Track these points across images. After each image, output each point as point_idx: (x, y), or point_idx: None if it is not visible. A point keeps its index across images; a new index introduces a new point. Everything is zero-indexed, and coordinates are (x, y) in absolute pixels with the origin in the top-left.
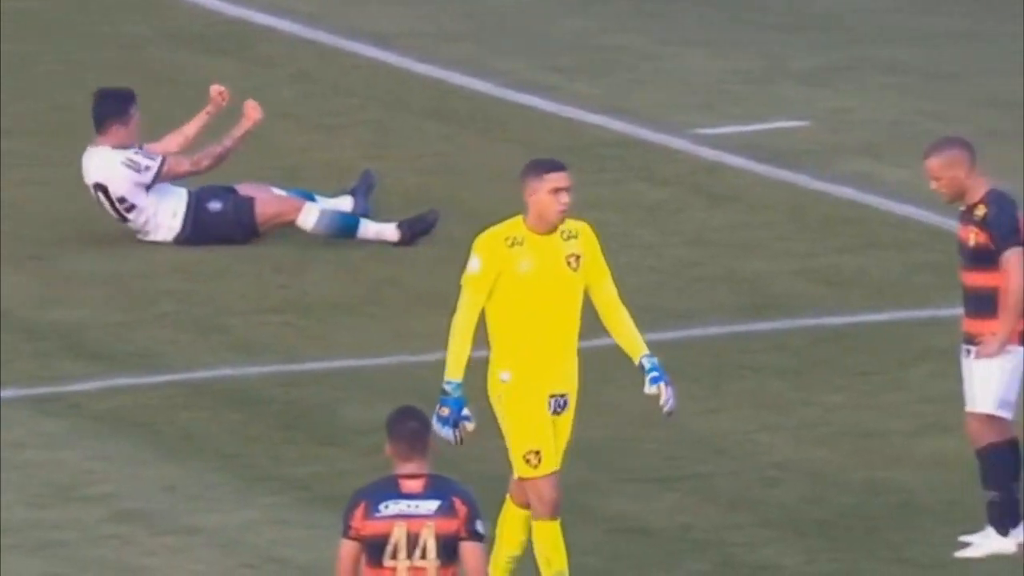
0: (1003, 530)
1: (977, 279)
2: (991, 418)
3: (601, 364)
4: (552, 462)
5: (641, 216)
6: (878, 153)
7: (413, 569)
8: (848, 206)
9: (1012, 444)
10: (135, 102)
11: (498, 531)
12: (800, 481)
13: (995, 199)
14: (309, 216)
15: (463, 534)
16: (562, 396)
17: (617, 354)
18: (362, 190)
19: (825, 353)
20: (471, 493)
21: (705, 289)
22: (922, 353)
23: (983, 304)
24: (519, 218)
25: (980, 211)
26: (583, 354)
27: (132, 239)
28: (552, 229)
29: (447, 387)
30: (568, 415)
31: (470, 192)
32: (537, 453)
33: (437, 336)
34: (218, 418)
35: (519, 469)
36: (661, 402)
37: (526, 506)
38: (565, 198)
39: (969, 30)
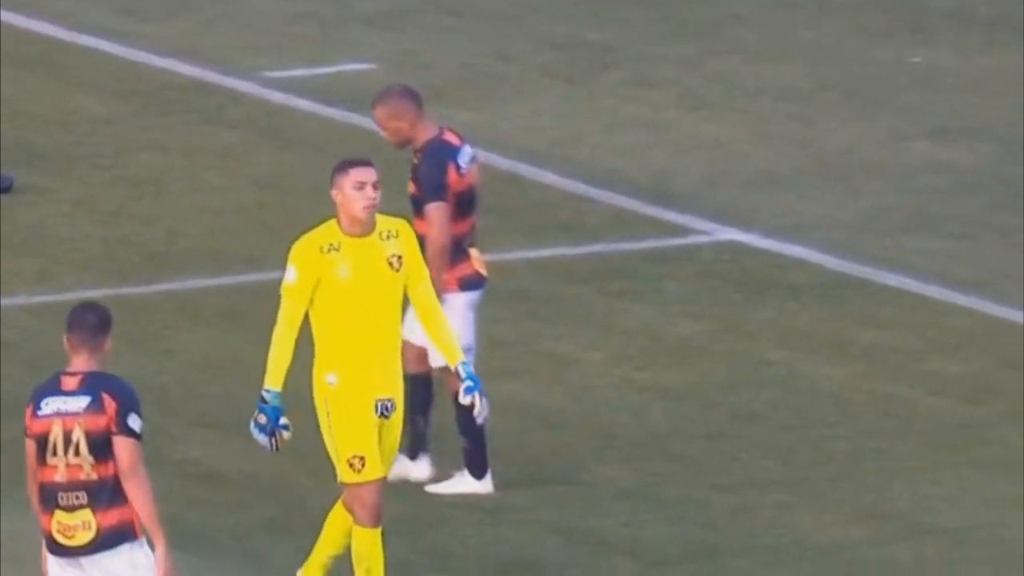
0: (477, 475)
1: (418, 227)
2: (444, 370)
3: (170, 308)
4: (376, 468)
5: (209, 160)
6: (445, 95)
7: (70, 466)
8: None
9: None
10: None
11: (324, 528)
12: None
13: (430, 152)
14: None
15: (113, 429)
16: (389, 400)
17: (186, 297)
18: None
19: None
20: (127, 388)
21: (274, 233)
22: (489, 298)
23: (424, 251)
24: (333, 221)
25: (416, 161)
26: (146, 300)
27: None
28: (366, 230)
29: (266, 395)
30: (396, 419)
31: (39, 136)
32: (362, 458)
33: (9, 280)
34: None
35: (343, 474)
36: (475, 412)
37: (366, 525)
38: (371, 193)
39: None
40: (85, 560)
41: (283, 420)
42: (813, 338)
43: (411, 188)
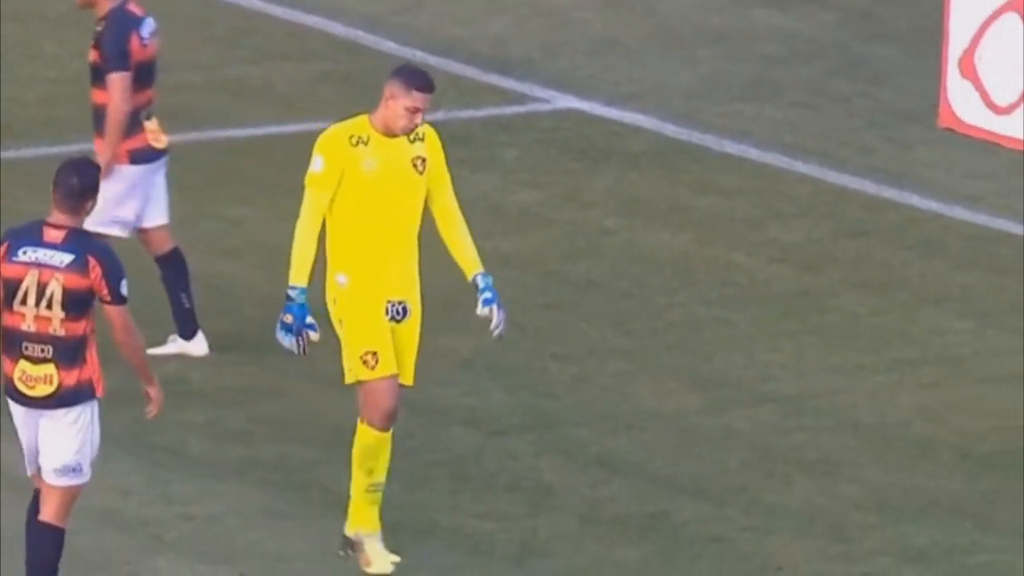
0: (187, 336)
1: (96, 96)
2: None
3: (9, 177)
4: (389, 365)
5: (45, 27)
6: None
7: (39, 318)
8: (253, 17)
9: (173, 254)
10: None
11: (354, 461)
12: (206, 295)
13: (113, 20)
14: None
15: (104, 297)
16: (400, 303)
17: (24, 166)
18: None
19: (231, 166)
20: (112, 253)
21: None
22: None
23: (100, 122)
24: (365, 117)
25: (99, 27)
26: None
27: None
28: (396, 136)
29: (291, 292)
30: (411, 323)
31: None
32: (374, 354)
33: None
34: None
35: (356, 371)
36: (492, 325)
37: (376, 426)
38: (418, 119)
39: None
40: (41, 411)
41: (309, 319)
42: (652, 206)
43: (92, 56)
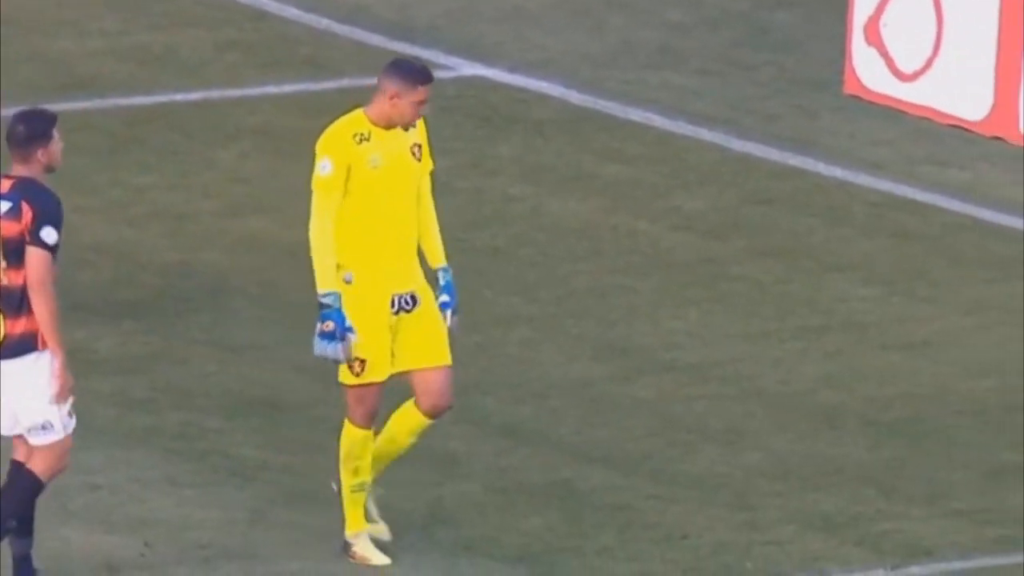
0: None
1: None
2: None
3: None
4: (377, 372)
5: None
6: None
7: None
8: None
9: None
10: None
11: (340, 462)
12: (111, 263)
13: None
14: None
15: (26, 236)
16: (408, 294)
17: None
18: None
19: (136, 133)
20: (47, 199)
21: (11, 68)
22: (233, 133)
23: None
24: (360, 112)
25: None
26: None
27: None
28: (395, 128)
29: (326, 300)
30: (425, 308)
31: None
32: (363, 362)
33: None
34: None
35: (343, 375)
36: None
37: (428, 414)
38: (425, 109)
39: None
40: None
41: (348, 322)
42: (557, 173)
43: None
